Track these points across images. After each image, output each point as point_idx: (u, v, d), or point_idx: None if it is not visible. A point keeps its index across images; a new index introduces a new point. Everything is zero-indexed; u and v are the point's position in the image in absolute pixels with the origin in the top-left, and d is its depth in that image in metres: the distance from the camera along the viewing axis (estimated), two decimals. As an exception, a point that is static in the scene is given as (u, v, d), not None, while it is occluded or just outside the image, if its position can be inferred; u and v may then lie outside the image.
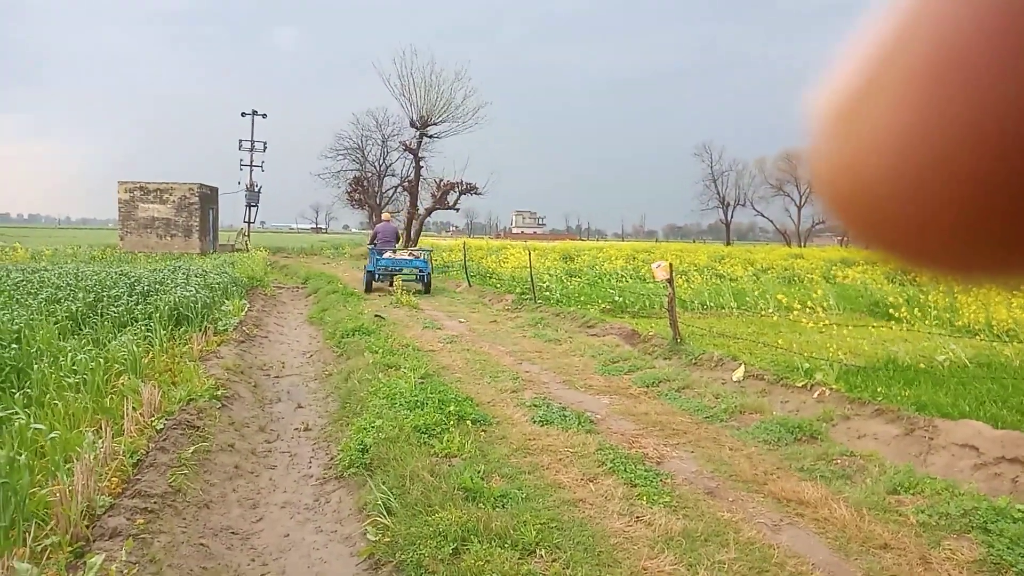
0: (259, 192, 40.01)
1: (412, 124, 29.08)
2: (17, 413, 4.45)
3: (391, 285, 16.47)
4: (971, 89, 0.24)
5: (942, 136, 0.25)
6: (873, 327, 9.04)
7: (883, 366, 7.25)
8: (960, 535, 3.59)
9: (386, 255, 16.10)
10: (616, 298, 13.65)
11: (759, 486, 4.32)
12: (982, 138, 0.24)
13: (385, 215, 19.67)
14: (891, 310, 9.92)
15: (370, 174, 36.83)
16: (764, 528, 3.71)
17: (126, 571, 2.95)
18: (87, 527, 3.32)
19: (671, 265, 9.10)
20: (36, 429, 4.21)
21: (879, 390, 6.10)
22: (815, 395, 5.99)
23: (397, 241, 17.40)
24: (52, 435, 4.04)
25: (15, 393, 5.18)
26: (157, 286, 10.96)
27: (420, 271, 16.09)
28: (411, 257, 16.57)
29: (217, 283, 12.43)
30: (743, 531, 3.64)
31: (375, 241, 16.64)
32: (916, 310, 10.34)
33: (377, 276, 16.04)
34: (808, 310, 9.05)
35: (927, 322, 10.40)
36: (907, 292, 13.66)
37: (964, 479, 4.27)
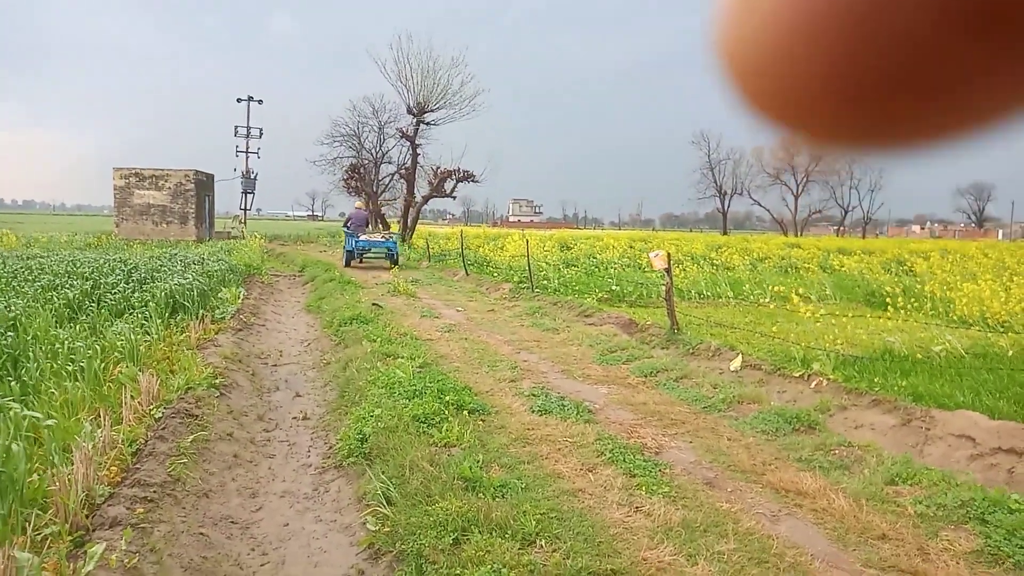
0: (255, 179, 39.88)
1: (409, 111, 28.93)
2: (13, 401, 4.44)
3: (360, 261, 20.22)
4: None
5: (827, 12, 0.28)
6: (870, 317, 9.05)
7: (880, 356, 7.27)
8: (957, 526, 3.61)
9: (362, 237, 19.86)
10: (613, 287, 13.67)
11: (757, 476, 4.33)
12: (863, 11, 0.27)
13: (358, 203, 23.22)
14: (888, 299, 9.94)
15: (366, 161, 36.68)
16: (763, 518, 3.73)
17: (126, 560, 2.95)
18: (87, 516, 3.32)
19: (669, 254, 9.10)
20: (33, 418, 4.20)
21: (876, 380, 6.12)
22: (812, 385, 6.01)
23: (367, 226, 21.46)
24: (48, 423, 4.02)
25: (11, 381, 5.16)
26: (154, 274, 10.93)
27: (389, 250, 19.96)
28: (382, 239, 20.57)
29: (214, 271, 12.38)
30: (742, 521, 3.65)
31: (348, 225, 20.44)
32: (912, 300, 10.35)
33: (355, 254, 19.77)
34: (805, 299, 9.07)
35: (923, 313, 10.42)
36: (903, 282, 13.68)
37: (961, 470, 4.30)
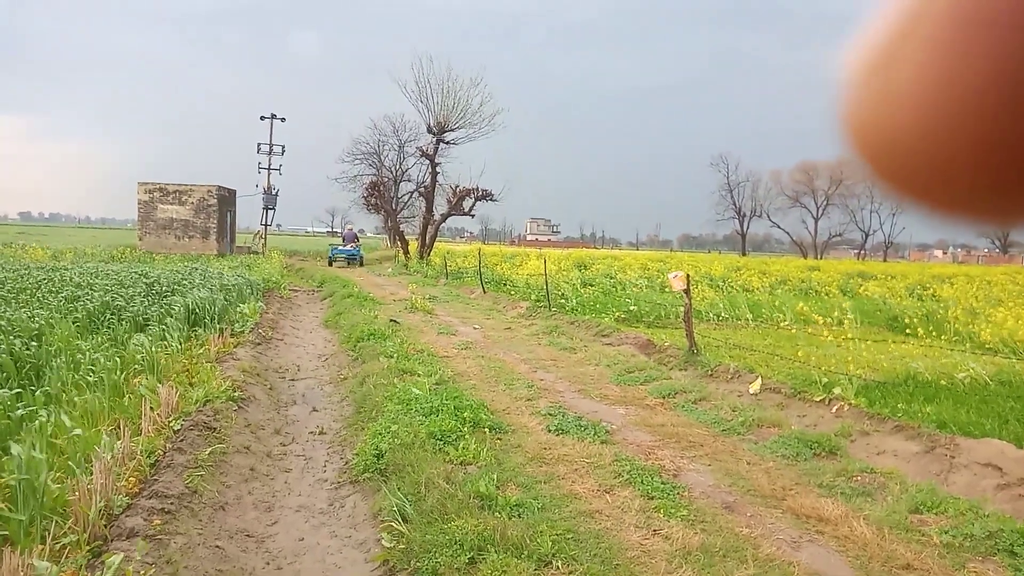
0: (276, 195, 40.25)
1: (429, 130, 29.18)
2: (39, 411, 4.49)
3: (345, 264, 29.74)
4: (990, 47, 0.26)
5: (965, 90, 0.27)
6: (892, 342, 8.93)
7: (902, 382, 7.16)
8: (985, 557, 3.53)
9: (339, 247, 31.24)
10: (631, 307, 13.60)
11: (777, 501, 4.27)
12: (1003, 92, 0.26)
13: (348, 226, 35.01)
14: (907, 328, 9.80)
15: (386, 179, 37.00)
16: (783, 545, 3.66)
17: (143, 571, 2.96)
18: (105, 526, 3.33)
19: (688, 275, 9.05)
20: (56, 426, 4.24)
21: (899, 406, 6.01)
22: (833, 410, 5.93)
23: (355, 241, 32.00)
24: (75, 432, 4.06)
25: (35, 391, 5.22)
26: (175, 287, 11.05)
27: (358, 256, 30.78)
28: (351, 248, 31.08)
29: (234, 285, 12.50)
30: (762, 547, 3.59)
31: (343, 239, 32.21)
32: (931, 328, 10.19)
33: (335, 258, 30.31)
34: (826, 324, 8.96)
35: (946, 339, 10.26)
36: (926, 307, 13.50)
37: (988, 499, 4.20)
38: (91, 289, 9.96)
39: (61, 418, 4.41)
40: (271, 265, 20.60)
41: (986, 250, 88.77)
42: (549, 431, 5.56)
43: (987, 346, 9.84)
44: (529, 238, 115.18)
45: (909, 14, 0.28)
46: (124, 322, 8.39)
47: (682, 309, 9.03)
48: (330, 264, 29.81)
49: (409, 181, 37.74)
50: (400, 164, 38.50)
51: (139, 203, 31.75)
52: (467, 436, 5.06)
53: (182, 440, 4.62)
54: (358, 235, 33.67)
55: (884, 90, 0.29)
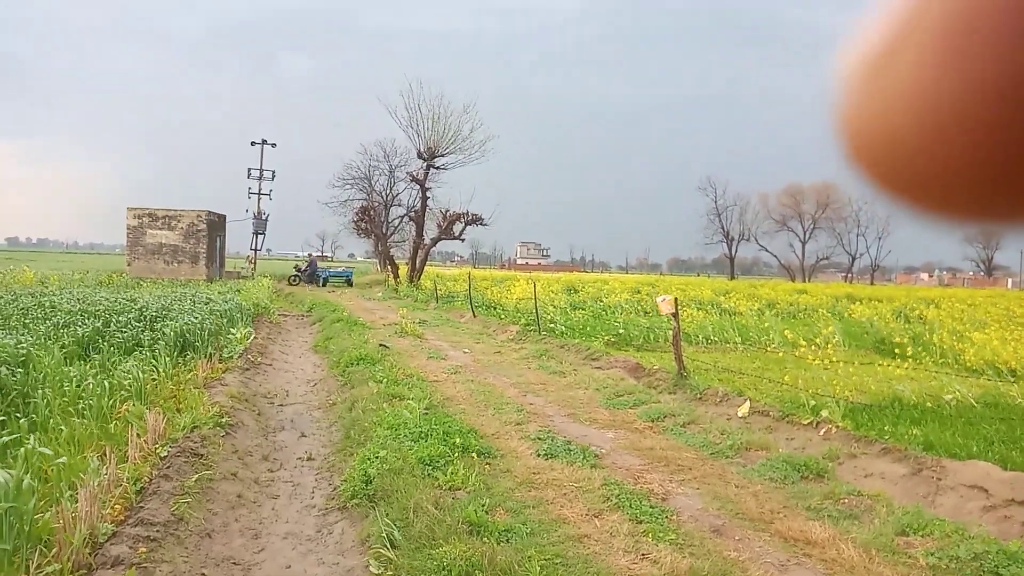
0: (266, 220, 40.28)
1: (419, 155, 29.35)
2: (25, 438, 4.45)
3: (323, 285, 31.97)
4: (987, 50, 0.26)
5: (961, 91, 0.27)
6: (879, 365, 9.00)
7: (889, 404, 7.21)
8: (970, 579, 3.55)
9: (328, 270, 34.97)
10: (620, 331, 13.64)
11: (765, 525, 4.28)
12: (1001, 95, 0.26)
13: (315, 254, 37.99)
14: (896, 349, 9.89)
15: (376, 203, 37.14)
16: (771, 568, 3.67)
17: (128, 601, 2.93)
18: (89, 554, 3.30)
19: (676, 299, 9.11)
20: (41, 454, 4.20)
21: (886, 428, 6.06)
22: (821, 433, 5.96)
23: (315, 266, 34.54)
24: (60, 460, 4.03)
25: (20, 418, 5.18)
26: (164, 312, 11.00)
27: (348, 278, 34.03)
28: (343, 270, 35.94)
29: (223, 310, 12.46)
30: (750, 571, 3.60)
31: (311, 263, 34.54)
32: (920, 349, 10.28)
33: (327, 279, 33.31)
34: (814, 347, 9.03)
35: (932, 361, 10.36)
36: (913, 330, 13.61)
37: (974, 521, 4.23)
38: (80, 315, 9.91)
39: (46, 445, 4.38)
40: (260, 290, 20.55)
41: (971, 273, 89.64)
42: (538, 455, 5.56)
43: (972, 368, 9.94)
44: (519, 262, 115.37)
45: (905, 18, 0.29)
46: (113, 348, 8.35)
47: (671, 332, 9.07)
48: (323, 285, 31.94)
49: (399, 206, 37.94)
50: (390, 189, 38.75)
51: (128, 228, 31.69)
52: (456, 461, 5.06)
53: (168, 467, 4.59)
54: (316, 261, 38.31)
55: (881, 93, 0.29)
